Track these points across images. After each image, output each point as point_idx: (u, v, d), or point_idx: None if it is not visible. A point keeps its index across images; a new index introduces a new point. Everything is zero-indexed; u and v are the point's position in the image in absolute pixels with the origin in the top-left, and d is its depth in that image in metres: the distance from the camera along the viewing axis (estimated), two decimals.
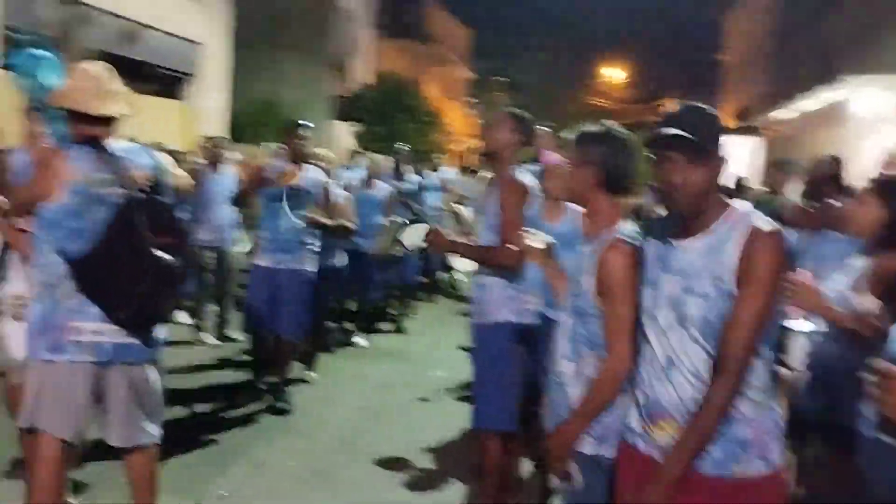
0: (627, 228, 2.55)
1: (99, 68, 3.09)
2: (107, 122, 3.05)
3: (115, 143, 3.06)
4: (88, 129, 3.02)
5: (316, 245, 5.54)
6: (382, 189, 7.70)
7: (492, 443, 3.62)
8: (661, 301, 2.18)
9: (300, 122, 5.55)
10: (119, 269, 2.91)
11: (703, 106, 2.17)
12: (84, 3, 11.46)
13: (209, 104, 15.88)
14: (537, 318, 3.64)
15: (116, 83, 3.11)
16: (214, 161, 7.33)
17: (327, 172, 6.06)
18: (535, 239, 2.98)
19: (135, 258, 2.91)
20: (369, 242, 7.34)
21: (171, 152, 8.73)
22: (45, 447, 2.98)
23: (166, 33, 14.07)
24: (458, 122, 32.04)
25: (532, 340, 3.63)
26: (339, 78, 24.36)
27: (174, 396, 5.07)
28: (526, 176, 3.62)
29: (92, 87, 3.01)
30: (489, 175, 8.19)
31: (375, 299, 8.16)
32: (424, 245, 3.97)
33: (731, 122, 26.33)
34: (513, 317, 3.58)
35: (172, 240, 2.99)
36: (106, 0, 12.20)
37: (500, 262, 3.53)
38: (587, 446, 2.52)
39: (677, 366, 2.15)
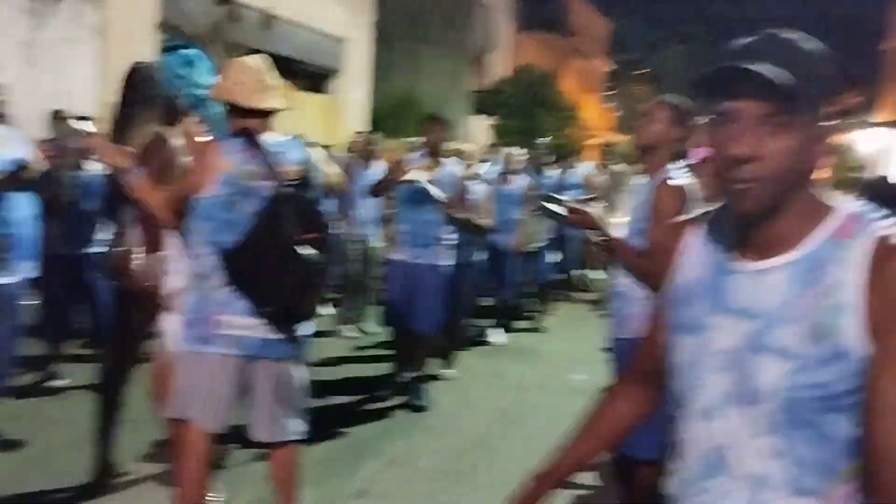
0: None
1: (257, 62, 3.10)
2: (263, 115, 3.06)
3: (268, 137, 3.07)
4: (245, 122, 3.03)
5: (452, 239, 5.46)
6: (519, 183, 7.54)
7: (643, 471, 3.35)
8: (712, 359, 1.33)
9: (436, 115, 5.49)
10: (265, 264, 2.90)
11: (800, 34, 1.29)
12: (234, 2, 11.93)
13: (351, 99, 16.22)
14: None
15: (273, 77, 3.11)
16: (367, 155, 7.41)
17: (468, 167, 5.99)
18: None
19: (280, 253, 2.90)
20: (506, 238, 7.21)
21: (313, 146, 8.96)
22: (193, 437, 3.02)
23: (312, 29, 14.45)
24: (596, 116, 31.42)
25: None
26: (478, 71, 24.38)
27: (311, 388, 5.12)
28: (683, 176, 3.31)
29: (250, 81, 3.02)
30: (623, 170, 7.78)
31: (512, 296, 8.02)
32: (562, 219, 3.56)
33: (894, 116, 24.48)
34: None
35: (316, 236, 2.96)
36: None
37: (648, 272, 3.23)
38: None
39: (728, 468, 1.31)
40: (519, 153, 7.90)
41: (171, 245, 3.30)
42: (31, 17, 9.60)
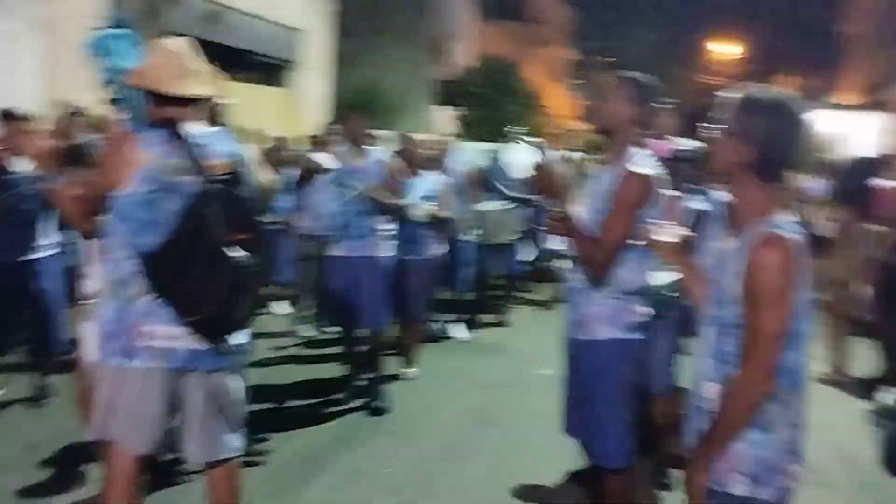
0: (784, 219, 2.08)
1: (180, 45, 2.80)
2: (186, 103, 2.76)
3: (194, 128, 2.77)
4: (166, 111, 2.74)
5: (388, 230, 5.23)
6: (456, 173, 7.28)
7: (614, 480, 3.12)
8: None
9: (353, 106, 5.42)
10: (189, 268, 2.61)
11: None
12: None
13: (311, 91, 15.89)
14: (646, 331, 3.08)
15: (199, 62, 2.82)
16: (322, 147, 7.11)
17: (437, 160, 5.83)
18: (668, 232, 2.52)
19: (207, 256, 2.61)
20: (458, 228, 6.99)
21: (275, 139, 8.64)
22: (119, 459, 2.74)
23: (266, 20, 14.08)
24: (561, 104, 31.30)
25: (643, 356, 3.12)
26: (441, 61, 24.11)
27: (264, 392, 4.86)
28: (648, 164, 3.06)
29: (171, 66, 2.73)
30: (581, 158, 7.56)
31: (472, 289, 7.74)
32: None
33: (855, 98, 24.64)
34: (619, 333, 3.01)
35: (247, 236, 2.68)
36: None
37: (591, 260, 2.96)
38: (737, 486, 2.08)
39: None
40: (436, 140, 7.69)
41: (88, 248, 3.00)
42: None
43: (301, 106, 15.12)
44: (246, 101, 11.27)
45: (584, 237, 2.97)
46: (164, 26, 9.20)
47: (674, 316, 4.02)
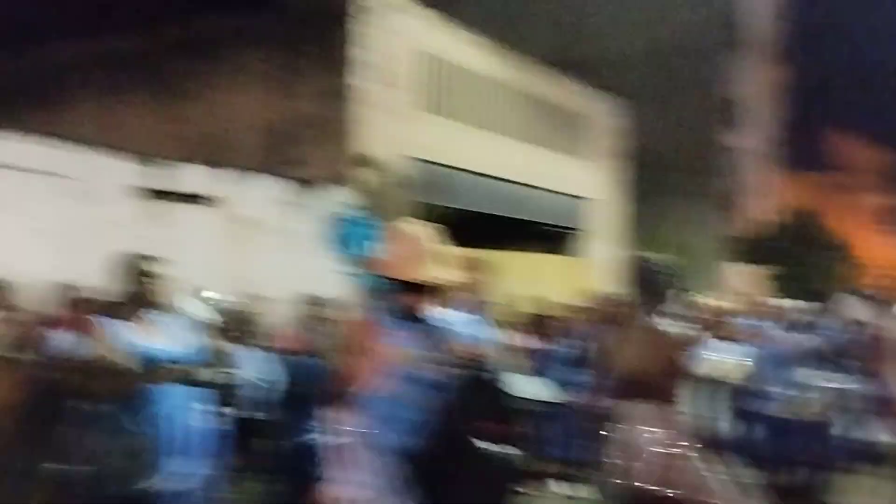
0: None
1: (418, 230, 2.68)
2: (430, 289, 2.61)
3: (439, 313, 2.58)
4: (410, 298, 2.59)
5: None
6: (786, 341, 6.30)
7: None
8: None
9: None
10: (443, 467, 2.32)
11: None
12: (463, 170, 12.24)
13: (600, 257, 15.94)
14: None
15: (437, 244, 2.66)
16: (610, 318, 6.73)
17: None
18: None
19: (459, 452, 2.30)
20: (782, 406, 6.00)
21: (559, 306, 8.43)
22: None
23: (549, 191, 14.48)
24: (878, 254, 28.35)
25: None
26: (734, 218, 23.24)
27: None
28: None
29: (409, 252, 2.60)
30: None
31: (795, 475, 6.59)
32: None
33: None
34: None
35: (502, 427, 2.34)
36: (488, 165, 12.94)
37: None
38: None
39: None
40: (769, 301, 6.82)
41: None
42: (282, 205, 10.30)
43: (591, 272, 15.14)
44: (529, 270, 11.41)
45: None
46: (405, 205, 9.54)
47: None
